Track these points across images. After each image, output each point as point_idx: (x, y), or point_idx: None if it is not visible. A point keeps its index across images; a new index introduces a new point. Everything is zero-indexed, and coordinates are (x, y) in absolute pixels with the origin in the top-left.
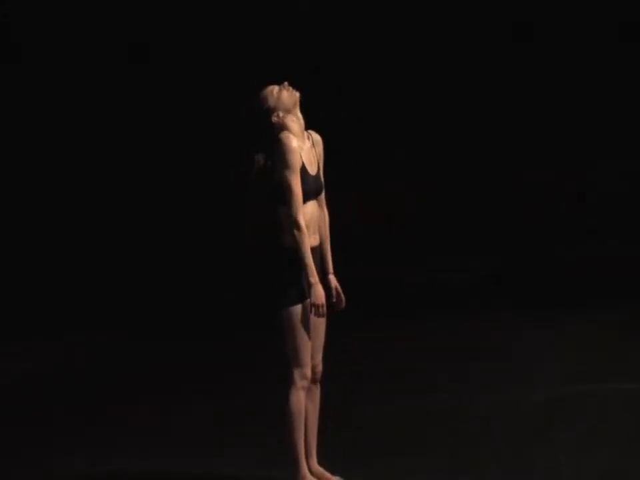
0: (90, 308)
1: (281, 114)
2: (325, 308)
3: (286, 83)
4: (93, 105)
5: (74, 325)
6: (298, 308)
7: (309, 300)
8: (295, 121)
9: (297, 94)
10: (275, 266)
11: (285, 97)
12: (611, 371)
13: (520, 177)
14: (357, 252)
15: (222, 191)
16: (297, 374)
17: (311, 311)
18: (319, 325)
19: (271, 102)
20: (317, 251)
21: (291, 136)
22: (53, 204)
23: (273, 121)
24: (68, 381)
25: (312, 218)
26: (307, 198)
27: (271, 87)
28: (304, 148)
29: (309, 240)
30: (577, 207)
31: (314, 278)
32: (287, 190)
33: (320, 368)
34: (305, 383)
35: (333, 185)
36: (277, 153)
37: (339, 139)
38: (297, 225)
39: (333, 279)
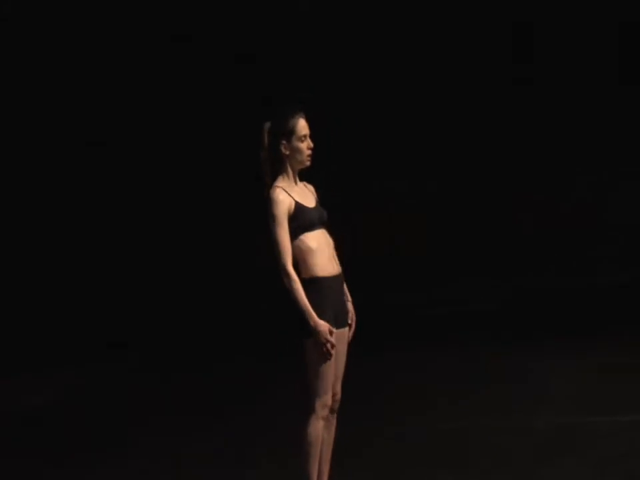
0: (104, 330)
1: (293, 142)
2: (330, 346)
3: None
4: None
5: (87, 357)
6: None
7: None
8: (295, 162)
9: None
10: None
11: (301, 125)
12: (623, 401)
13: (534, 203)
14: (370, 278)
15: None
16: (318, 403)
17: (319, 352)
18: (341, 355)
19: (290, 125)
20: (339, 280)
21: (280, 190)
22: (70, 232)
23: (281, 149)
24: (79, 411)
25: (321, 244)
26: (312, 227)
27: (292, 110)
28: (294, 190)
29: (329, 267)
30: (593, 234)
31: (313, 320)
32: (273, 242)
33: (339, 397)
34: (326, 412)
35: (342, 209)
36: (268, 205)
37: (346, 163)
38: (285, 274)
39: (350, 305)
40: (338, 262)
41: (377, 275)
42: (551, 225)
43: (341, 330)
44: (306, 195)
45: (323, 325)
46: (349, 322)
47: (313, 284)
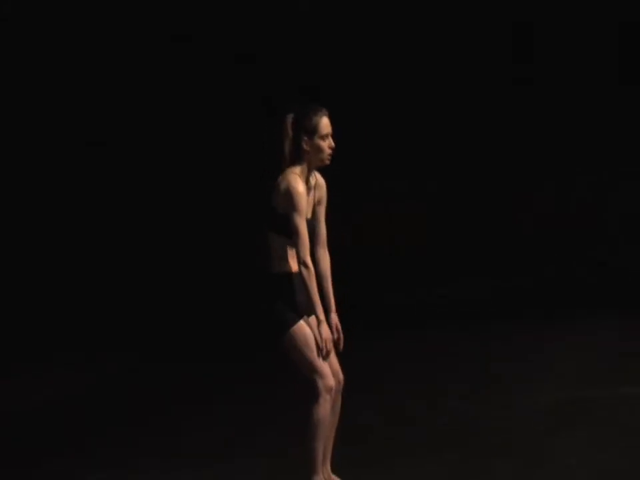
0: (103, 330)
1: (315, 139)
2: (331, 344)
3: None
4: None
5: (86, 356)
6: (297, 327)
7: (305, 317)
8: (314, 159)
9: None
10: (267, 294)
11: (324, 123)
12: (623, 376)
13: (534, 203)
14: (370, 278)
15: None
16: (320, 386)
17: (319, 348)
18: None
19: (313, 122)
20: None
21: (299, 180)
22: (70, 224)
23: (302, 145)
24: (79, 411)
25: None
26: None
27: (316, 108)
28: (306, 188)
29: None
30: (593, 234)
31: (322, 316)
32: (294, 233)
33: (341, 376)
34: (331, 394)
35: (342, 209)
36: (285, 195)
37: (346, 163)
38: (305, 265)
39: (334, 317)
40: (324, 274)
41: (376, 275)
42: (551, 224)
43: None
44: (309, 198)
45: (326, 324)
46: (335, 335)
47: (286, 278)
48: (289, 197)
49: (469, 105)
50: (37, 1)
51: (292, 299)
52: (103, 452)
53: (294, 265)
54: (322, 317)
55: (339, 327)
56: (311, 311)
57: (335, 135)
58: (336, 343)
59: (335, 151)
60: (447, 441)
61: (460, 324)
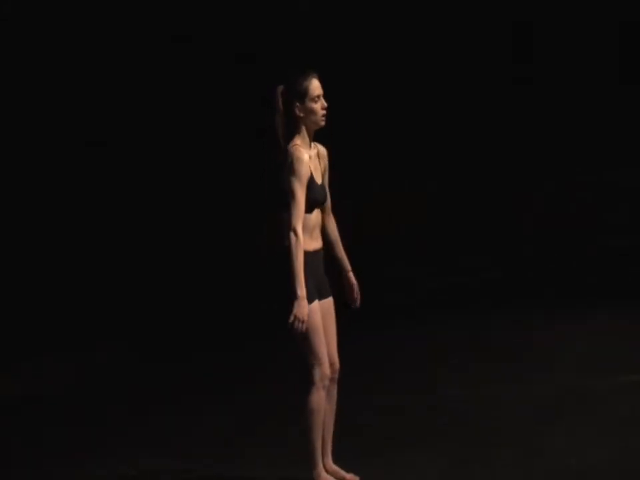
0: (97, 322)
1: (307, 103)
2: (304, 324)
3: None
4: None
5: (86, 350)
6: (310, 309)
7: (317, 301)
8: (310, 124)
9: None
10: (283, 271)
11: (314, 85)
12: (624, 364)
13: (534, 203)
14: (370, 277)
15: (235, 202)
16: (316, 373)
17: (291, 324)
18: (330, 324)
19: (303, 86)
20: (320, 254)
21: (301, 148)
22: (70, 223)
23: (295, 111)
24: (78, 405)
25: (316, 223)
26: (314, 206)
27: (305, 72)
28: (311, 156)
29: (313, 244)
30: (593, 234)
31: (301, 291)
32: (290, 198)
33: (337, 366)
34: (326, 382)
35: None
36: (287, 163)
37: (347, 163)
38: (295, 233)
39: (351, 275)
40: (332, 238)
41: (376, 275)
42: (550, 224)
43: (325, 300)
44: (317, 166)
45: (305, 305)
46: (355, 295)
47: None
48: (293, 163)
49: (469, 105)
50: (36, 1)
51: (307, 278)
52: (103, 449)
53: (311, 243)
54: (300, 293)
55: (356, 285)
56: (322, 289)
57: (327, 97)
58: (353, 302)
59: (329, 110)
60: (446, 435)
61: (460, 322)
